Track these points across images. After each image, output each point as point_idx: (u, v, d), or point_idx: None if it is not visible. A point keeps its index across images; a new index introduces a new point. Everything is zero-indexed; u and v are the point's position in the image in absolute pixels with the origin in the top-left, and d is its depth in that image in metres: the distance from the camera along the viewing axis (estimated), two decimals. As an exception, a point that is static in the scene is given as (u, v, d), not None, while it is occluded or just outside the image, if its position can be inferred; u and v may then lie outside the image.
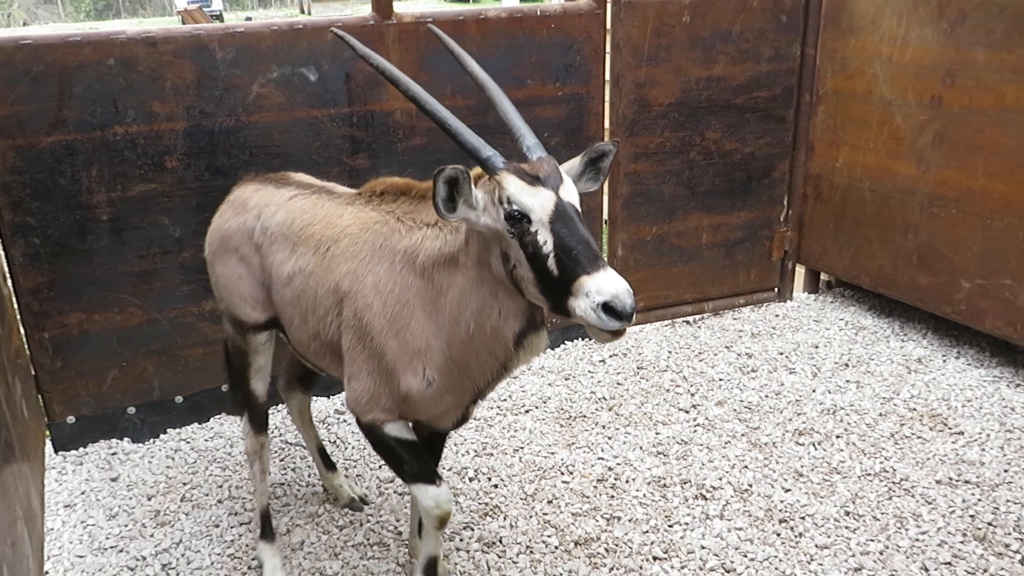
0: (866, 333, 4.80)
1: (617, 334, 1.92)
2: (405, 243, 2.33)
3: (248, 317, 2.81)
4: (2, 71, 3.30)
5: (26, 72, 3.33)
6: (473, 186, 2.04)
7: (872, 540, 3.09)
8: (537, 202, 1.97)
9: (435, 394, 2.34)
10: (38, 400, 3.72)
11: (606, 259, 1.93)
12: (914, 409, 3.96)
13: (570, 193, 2.03)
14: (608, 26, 4.30)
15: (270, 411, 4.04)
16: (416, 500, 2.54)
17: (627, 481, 3.48)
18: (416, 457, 2.47)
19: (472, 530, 3.20)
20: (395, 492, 3.44)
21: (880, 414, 3.93)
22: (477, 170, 2.12)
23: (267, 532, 3.02)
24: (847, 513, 3.25)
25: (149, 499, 3.46)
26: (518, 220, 1.98)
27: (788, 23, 4.68)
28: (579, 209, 2.02)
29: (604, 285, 1.87)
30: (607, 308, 1.86)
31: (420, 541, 2.91)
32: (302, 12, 40.85)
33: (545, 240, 1.95)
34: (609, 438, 3.81)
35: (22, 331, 3.63)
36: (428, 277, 2.27)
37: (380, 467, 3.63)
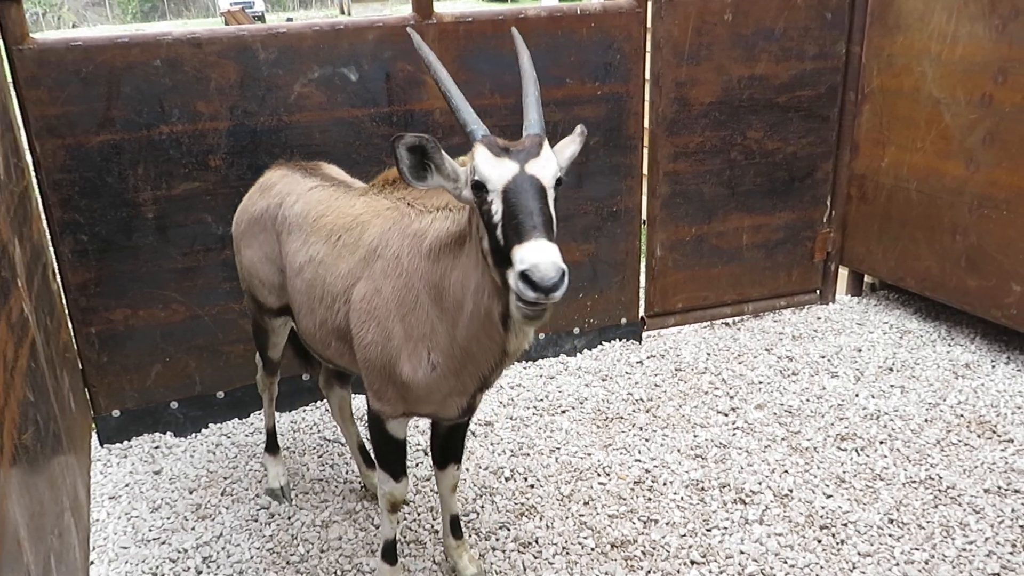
0: (911, 337, 4.69)
1: (535, 314, 1.91)
2: (415, 227, 2.35)
3: (265, 301, 2.99)
4: (53, 72, 3.38)
5: (76, 73, 3.41)
6: (447, 157, 2.07)
7: (917, 549, 3.02)
8: (496, 172, 1.97)
9: (439, 378, 2.34)
10: (85, 394, 3.81)
11: (547, 234, 1.91)
12: (961, 415, 3.86)
13: (541, 168, 2.00)
14: (648, 24, 4.26)
15: (313, 406, 4.08)
16: (379, 483, 2.71)
17: (664, 484, 3.45)
18: (399, 456, 2.66)
19: (508, 530, 3.20)
20: (431, 491, 3.45)
21: (926, 420, 3.84)
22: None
23: (272, 446, 3.47)
24: (891, 521, 3.18)
25: (191, 492, 3.52)
26: (479, 189, 1.99)
27: (833, 20, 4.59)
28: (546, 185, 2.00)
29: (528, 254, 1.84)
30: (525, 277, 1.82)
31: (453, 540, 2.94)
32: (342, 13, 41.24)
33: (497, 209, 1.96)
34: (646, 440, 3.78)
35: (70, 326, 3.72)
36: (435, 259, 2.27)
37: (417, 465, 3.64)
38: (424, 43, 2.32)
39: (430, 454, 2.98)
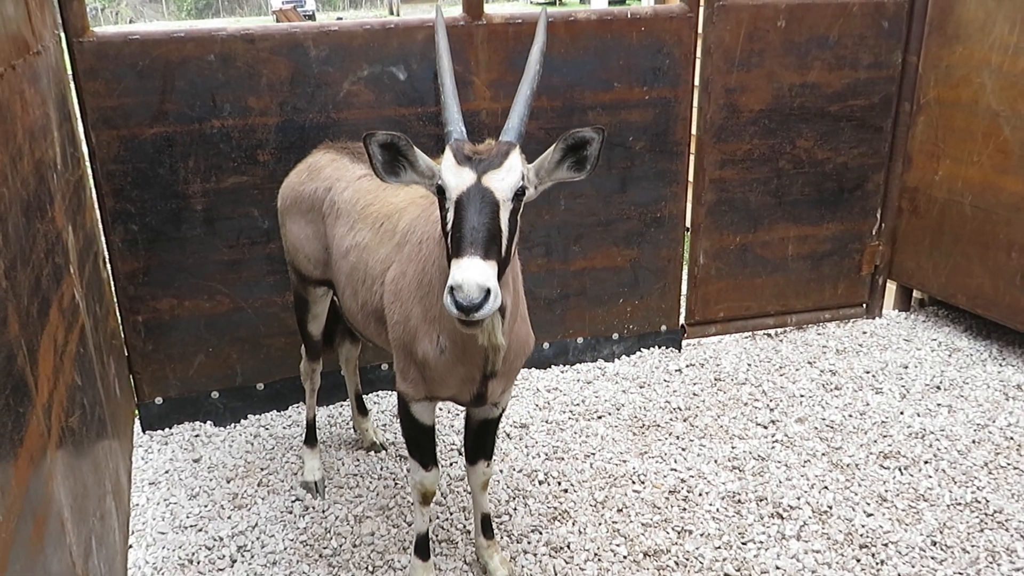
0: (961, 355, 4.56)
1: (465, 326, 1.98)
2: (435, 215, 2.35)
3: (309, 273, 3.16)
4: (111, 64, 3.46)
5: (133, 66, 3.48)
6: (421, 154, 2.13)
7: (960, 573, 2.93)
8: (454, 180, 2.02)
9: (448, 361, 2.38)
10: (129, 380, 3.88)
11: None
12: (1011, 438, 3.74)
13: (499, 181, 2.01)
14: (700, 30, 4.21)
15: (343, 403, 4.11)
16: (409, 472, 2.91)
17: (700, 494, 3.40)
18: (426, 442, 2.71)
19: (540, 534, 3.18)
20: (464, 491, 3.45)
21: (973, 441, 3.73)
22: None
23: (311, 438, 3.53)
24: (934, 543, 3.09)
25: (228, 482, 3.57)
26: (441, 193, 2.06)
27: (890, 29, 4.49)
28: (499, 199, 2.00)
29: (456, 271, 1.91)
30: (451, 292, 1.91)
31: (484, 540, 2.94)
32: (391, 13, 41.63)
33: (449, 218, 2.02)
34: (683, 449, 3.73)
35: (118, 314, 3.80)
36: (444, 247, 2.26)
37: (451, 464, 3.65)
38: (443, 28, 2.40)
39: (464, 452, 2.99)
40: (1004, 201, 4.30)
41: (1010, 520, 3.19)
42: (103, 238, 3.71)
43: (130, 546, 3.18)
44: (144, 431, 3.96)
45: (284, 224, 3.23)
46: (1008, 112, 4.21)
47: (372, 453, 3.76)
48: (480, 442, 2.83)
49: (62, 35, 3.44)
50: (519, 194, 2.06)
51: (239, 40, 3.58)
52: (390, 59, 3.77)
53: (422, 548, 2.87)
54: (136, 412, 3.99)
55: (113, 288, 3.78)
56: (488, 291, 1.88)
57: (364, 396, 3.97)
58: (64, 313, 2.51)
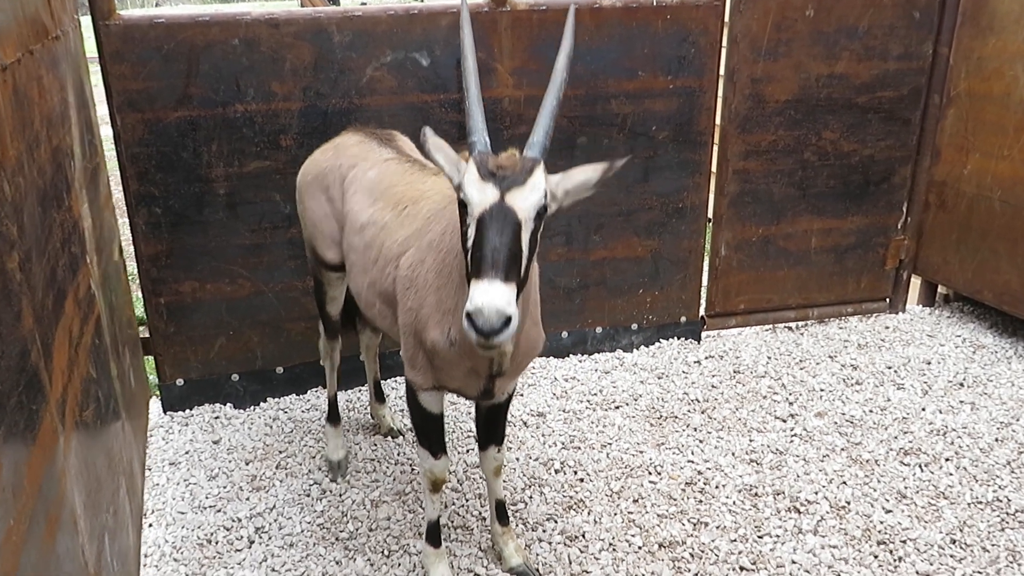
0: (985, 352, 4.50)
1: (483, 349, 1.96)
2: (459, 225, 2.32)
3: (324, 254, 3.14)
4: (137, 47, 3.48)
5: (158, 49, 3.50)
6: (452, 155, 2.15)
7: (979, 572, 2.91)
8: (477, 196, 1.99)
9: (457, 354, 2.36)
10: (144, 370, 3.91)
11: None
12: (1035, 437, 3.69)
13: (523, 200, 1.98)
14: (726, 19, 4.16)
15: (361, 388, 4.13)
16: (419, 460, 2.82)
17: (717, 487, 3.39)
18: (436, 432, 2.71)
19: (555, 522, 3.19)
20: (480, 478, 3.46)
21: (996, 439, 3.68)
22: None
23: (333, 416, 3.52)
24: (953, 541, 3.06)
25: (247, 464, 3.60)
26: (463, 206, 2.03)
27: (921, 20, 4.41)
28: (521, 219, 1.98)
29: (477, 294, 1.88)
30: (469, 317, 1.88)
31: (499, 527, 2.95)
32: (415, -1, 41.56)
33: (470, 235, 1.99)
34: (700, 441, 3.72)
35: (140, 296, 3.84)
36: None
37: (468, 452, 3.66)
38: (469, 26, 2.32)
39: (477, 437, 2.99)
40: (1034, 196, 4.22)
41: (1032, 520, 3.16)
42: (127, 221, 3.74)
43: (149, 525, 3.22)
44: (165, 412, 4.01)
45: (303, 202, 3.21)
46: (1041, 106, 4.12)
47: (389, 439, 3.78)
48: (490, 428, 2.83)
49: (87, 19, 3.46)
50: (540, 213, 2.03)
51: (263, 24, 3.58)
52: (413, 45, 3.76)
53: (433, 535, 2.87)
54: (157, 393, 4.04)
55: (136, 271, 3.81)
56: (507, 317, 1.87)
57: (383, 382, 3.99)
58: (80, 304, 2.49)
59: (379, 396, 3.80)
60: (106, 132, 3.68)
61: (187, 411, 4.01)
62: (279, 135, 3.73)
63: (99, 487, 2.36)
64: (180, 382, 3.98)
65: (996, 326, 4.80)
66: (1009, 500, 3.27)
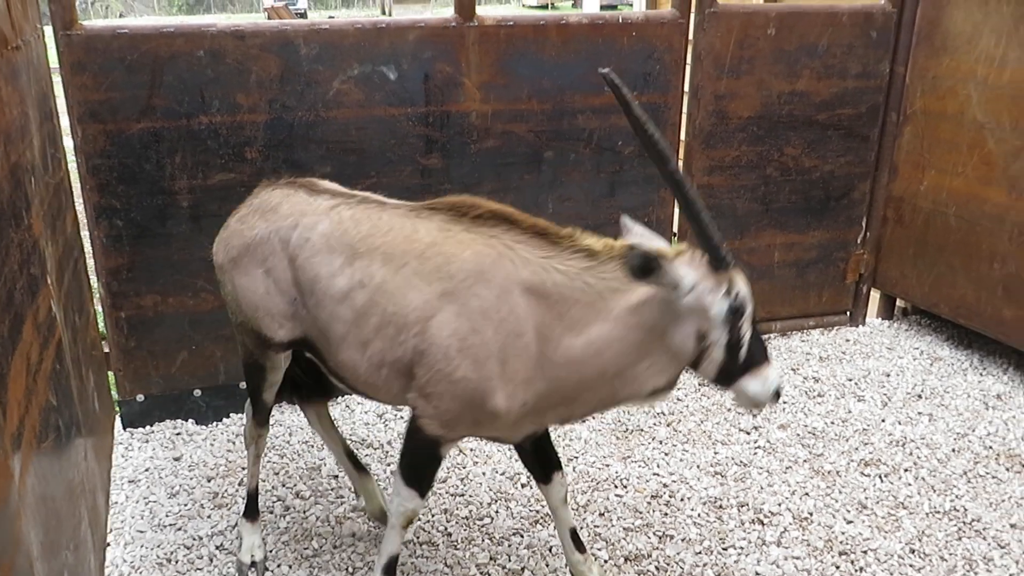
0: (942, 364, 4.60)
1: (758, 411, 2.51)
2: (525, 275, 2.29)
3: (273, 335, 2.68)
4: (99, 58, 3.44)
5: (121, 60, 3.46)
6: (671, 266, 2.17)
7: (938, 582, 2.96)
8: (751, 303, 2.24)
9: (527, 413, 2.38)
10: (109, 388, 3.82)
11: None
12: (990, 447, 3.77)
13: None
14: (690, 36, 4.23)
15: (332, 401, 4.07)
16: (397, 497, 2.56)
17: (682, 499, 3.41)
18: (434, 475, 2.59)
19: (522, 536, 3.18)
20: (447, 493, 3.45)
21: (953, 450, 3.76)
22: (667, 249, 2.29)
23: (251, 510, 3.09)
24: (912, 551, 3.12)
25: (209, 480, 3.55)
26: (737, 311, 2.20)
27: (878, 39, 4.53)
28: None
29: (774, 374, 2.29)
30: (776, 393, 2.29)
31: (578, 555, 2.85)
32: (383, 13, 41.58)
33: (745, 332, 2.23)
34: (666, 454, 3.74)
35: (100, 311, 3.77)
36: (557, 314, 2.28)
37: (434, 466, 3.64)
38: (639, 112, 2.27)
39: (531, 472, 2.84)
40: (988, 212, 4.34)
41: (988, 529, 3.22)
42: (88, 234, 3.67)
43: (108, 544, 3.15)
44: (125, 428, 3.93)
45: (231, 282, 2.72)
46: (993, 124, 4.25)
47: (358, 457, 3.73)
48: (545, 456, 2.76)
49: (48, 29, 3.41)
50: None
51: (229, 36, 3.56)
52: (381, 59, 3.76)
53: (391, 569, 2.67)
54: (116, 409, 3.96)
55: (96, 284, 3.74)
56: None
57: (336, 400, 3.81)
58: (39, 328, 2.36)
59: (359, 467, 3.19)
60: (66, 143, 3.62)
61: (147, 427, 3.94)
62: (244, 147, 3.70)
63: (59, 524, 2.23)
64: (140, 398, 3.91)
65: (952, 339, 4.91)
66: (966, 509, 3.33)
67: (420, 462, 2.54)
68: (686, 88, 4.32)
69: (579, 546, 2.85)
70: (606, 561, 3.05)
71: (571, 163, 4.15)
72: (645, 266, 2.11)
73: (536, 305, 2.28)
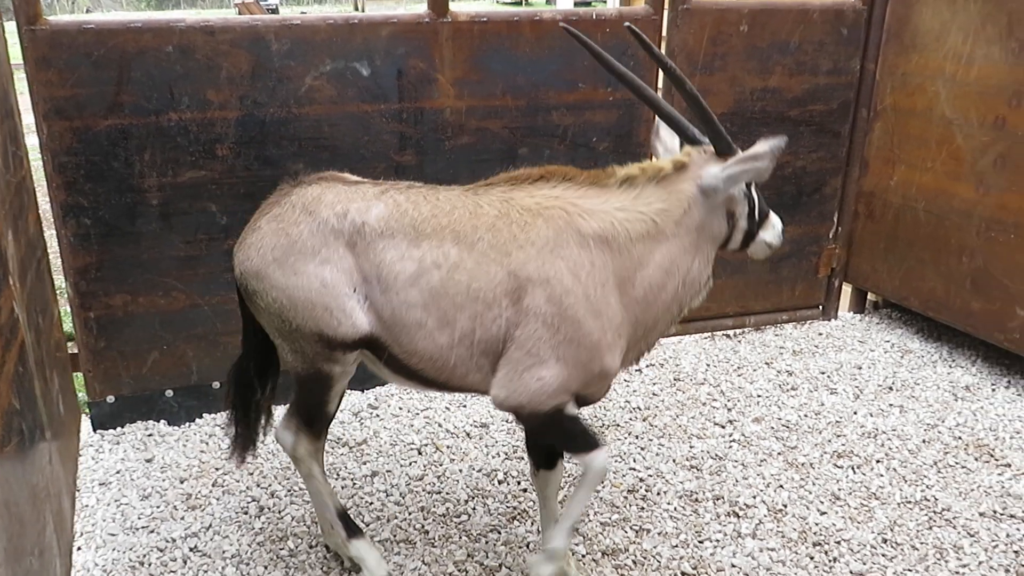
0: (912, 357, 4.67)
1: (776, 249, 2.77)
2: (595, 227, 2.43)
3: (337, 331, 2.48)
4: (64, 53, 3.37)
5: (87, 56, 3.40)
6: (702, 172, 2.52)
7: (910, 570, 3.00)
8: None
9: (620, 365, 2.54)
10: (74, 390, 3.75)
11: None
12: (959, 438, 3.83)
13: None
14: (664, 33, 4.24)
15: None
16: (589, 467, 2.53)
17: (658, 493, 3.43)
18: (585, 428, 2.57)
19: (499, 533, 3.18)
20: (424, 491, 3.44)
21: (923, 441, 3.82)
22: (680, 155, 2.62)
23: (352, 528, 2.81)
24: (884, 540, 3.16)
25: (182, 482, 3.50)
26: (750, 184, 2.60)
27: (849, 36, 4.58)
28: None
29: (775, 217, 2.73)
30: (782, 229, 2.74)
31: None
32: (356, 9, 41.31)
33: (756, 195, 2.62)
34: (642, 449, 3.76)
35: (68, 311, 3.70)
36: (626, 254, 2.46)
37: (410, 464, 3.62)
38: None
39: (534, 459, 2.80)
40: (956, 207, 4.40)
41: (957, 518, 3.27)
42: (54, 233, 3.61)
43: (78, 548, 3.10)
44: (95, 430, 3.87)
45: (274, 287, 2.49)
46: (961, 120, 4.31)
47: (333, 457, 3.71)
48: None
49: (5, 26, 3.33)
50: None
51: (199, 32, 3.51)
52: (353, 55, 3.73)
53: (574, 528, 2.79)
54: (87, 411, 3.90)
55: (63, 284, 3.68)
56: None
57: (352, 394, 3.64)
58: (1, 331, 2.30)
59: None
60: (31, 141, 3.55)
61: (118, 429, 3.88)
62: (215, 144, 3.66)
63: (22, 530, 2.17)
64: (111, 399, 3.85)
65: (922, 331, 4.98)
66: (936, 499, 3.39)
67: (567, 428, 2.53)
68: (660, 84, 4.34)
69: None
70: (584, 556, 3.06)
71: (546, 159, 4.15)
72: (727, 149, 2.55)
73: (609, 252, 2.44)
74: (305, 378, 2.62)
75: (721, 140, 2.54)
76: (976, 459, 3.67)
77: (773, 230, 2.70)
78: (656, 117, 2.81)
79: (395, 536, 3.16)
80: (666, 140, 2.82)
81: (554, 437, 2.63)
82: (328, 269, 2.46)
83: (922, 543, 3.15)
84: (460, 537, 3.16)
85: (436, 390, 2.65)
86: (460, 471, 3.57)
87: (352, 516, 3.25)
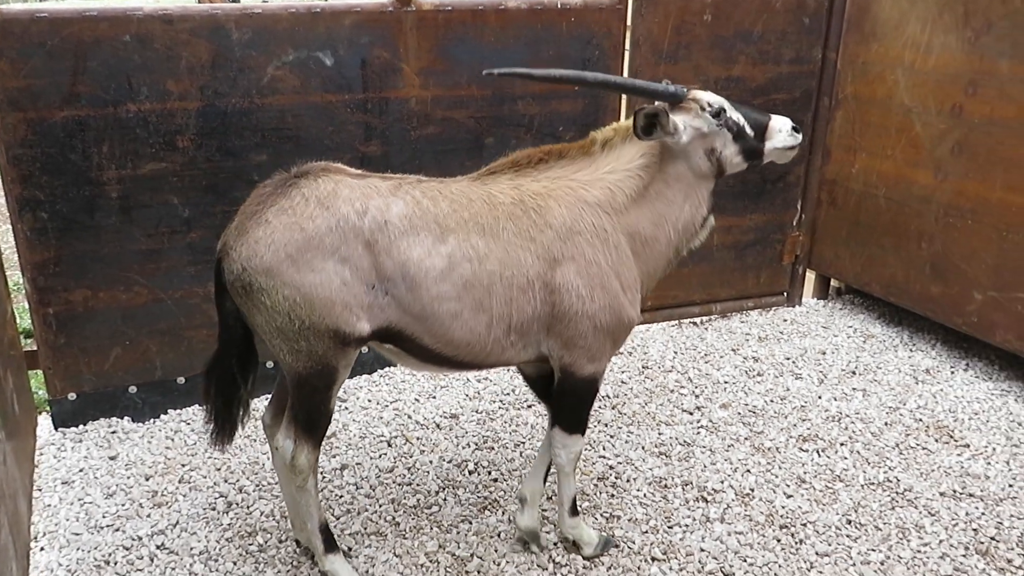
0: (874, 341, 4.76)
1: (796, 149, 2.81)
2: (598, 196, 2.64)
3: (353, 328, 2.47)
4: (17, 43, 3.28)
5: (41, 45, 3.31)
6: (670, 117, 2.56)
7: (873, 550, 3.06)
8: (719, 96, 2.66)
9: (637, 318, 2.77)
10: (30, 388, 3.67)
11: None
12: (920, 420, 3.92)
13: None
14: (628, 22, 4.25)
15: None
16: (564, 449, 2.85)
17: (628, 480, 3.46)
18: (591, 410, 2.90)
19: (470, 523, 3.18)
20: (394, 483, 3.42)
21: (886, 423, 3.89)
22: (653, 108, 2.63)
23: (331, 544, 2.82)
24: (849, 522, 3.22)
25: (147, 479, 3.45)
26: (719, 112, 2.64)
27: (811, 26, 4.63)
28: None
29: (779, 119, 2.73)
30: (794, 128, 2.74)
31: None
32: (319, -3, 40.74)
33: (738, 116, 2.67)
34: (611, 436, 3.78)
35: (25, 307, 3.62)
36: (627, 212, 2.66)
37: (380, 456, 3.61)
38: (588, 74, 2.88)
39: (544, 400, 3.05)
40: (915, 193, 4.49)
41: (919, 498, 3.35)
42: (9, 227, 3.52)
43: (41, 548, 3.04)
44: (56, 428, 3.79)
45: (288, 284, 2.42)
46: (919, 108, 4.39)
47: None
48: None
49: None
50: None
51: (156, 20, 3.44)
52: (316, 44, 3.68)
53: (575, 508, 3.00)
54: (47, 409, 3.82)
55: (20, 280, 3.59)
56: None
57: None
58: None
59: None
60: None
61: (80, 427, 3.81)
62: (175, 135, 3.59)
63: None
64: (72, 396, 3.77)
65: (884, 316, 5.08)
66: (898, 480, 3.46)
67: (584, 407, 2.82)
68: (625, 74, 4.35)
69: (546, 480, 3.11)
70: (555, 544, 3.07)
71: (512, 149, 4.05)
72: (648, 127, 2.54)
73: (613, 215, 2.65)
74: (307, 376, 2.55)
75: (664, 95, 2.67)
76: (936, 440, 3.76)
77: (780, 134, 2.73)
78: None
79: (366, 529, 3.15)
80: None
81: (573, 404, 2.81)
82: (348, 266, 2.44)
83: (885, 523, 3.21)
84: (431, 528, 3.16)
85: (465, 370, 2.92)
86: (430, 462, 3.57)
87: (322, 507, 3.23)
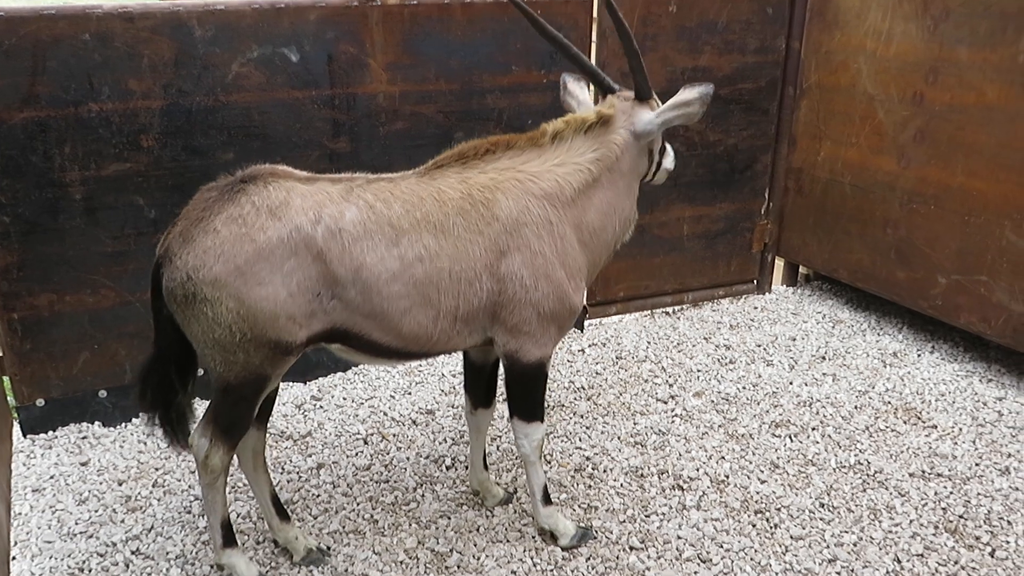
0: (843, 327, 4.83)
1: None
2: (545, 187, 2.67)
3: (294, 337, 2.46)
4: (-28, 43, 3.21)
5: (-3, 45, 3.24)
6: (634, 118, 2.78)
7: (846, 532, 3.12)
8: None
9: (581, 304, 2.83)
10: (4, 394, 3.61)
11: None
12: (889, 403, 3.99)
13: None
14: (595, 14, 4.26)
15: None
16: (525, 439, 2.92)
17: (604, 471, 3.48)
18: (544, 395, 2.92)
19: (448, 519, 3.19)
20: (371, 480, 3.42)
21: (855, 407, 3.96)
22: (608, 104, 2.82)
23: (230, 539, 2.81)
24: (822, 505, 3.27)
25: (120, 484, 3.40)
26: (662, 115, 2.79)
27: (774, 15, 4.67)
28: None
29: (668, 145, 3.00)
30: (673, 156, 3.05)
31: (485, 474, 3.26)
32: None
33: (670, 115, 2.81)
34: (587, 428, 3.81)
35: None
36: (574, 205, 2.72)
37: (356, 454, 3.60)
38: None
39: (469, 396, 3.17)
40: (879, 180, 4.56)
41: (889, 479, 3.41)
42: (-30, 231, 3.44)
43: (13, 558, 2.99)
44: (25, 435, 3.72)
45: (233, 297, 2.36)
46: (882, 96, 4.46)
47: (278, 451, 3.65)
48: (495, 381, 3.19)
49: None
50: None
51: (117, 18, 3.38)
52: (281, 40, 3.64)
53: (548, 496, 3.06)
54: (15, 416, 3.75)
55: (-16, 284, 3.52)
56: None
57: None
58: None
59: (282, 513, 2.95)
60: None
61: (50, 433, 3.75)
62: (139, 135, 3.54)
63: None
64: (40, 402, 3.71)
65: (852, 302, 5.16)
66: (869, 463, 3.52)
67: (535, 393, 2.86)
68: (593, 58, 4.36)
69: (486, 466, 3.27)
70: (533, 537, 3.09)
71: (482, 143, 4.13)
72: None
73: (560, 206, 2.69)
74: (236, 385, 2.52)
75: (645, 86, 2.79)
76: (905, 422, 3.83)
77: (670, 156, 2.99)
78: (562, 76, 3.08)
79: (344, 527, 3.14)
80: (576, 94, 3.05)
81: (524, 390, 2.86)
82: (295, 278, 2.40)
83: (857, 505, 3.27)
84: (410, 525, 3.15)
85: (413, 360, 2.98)
86: (407, 459, 3.56)
87: (299, 510, 3.21)
